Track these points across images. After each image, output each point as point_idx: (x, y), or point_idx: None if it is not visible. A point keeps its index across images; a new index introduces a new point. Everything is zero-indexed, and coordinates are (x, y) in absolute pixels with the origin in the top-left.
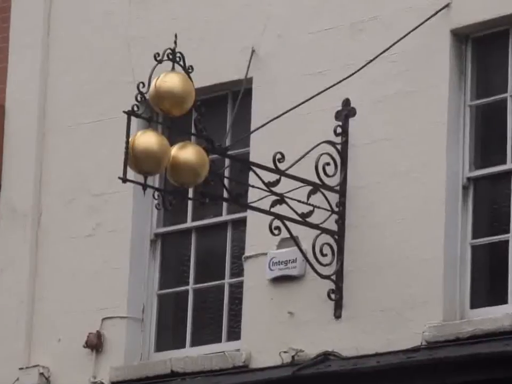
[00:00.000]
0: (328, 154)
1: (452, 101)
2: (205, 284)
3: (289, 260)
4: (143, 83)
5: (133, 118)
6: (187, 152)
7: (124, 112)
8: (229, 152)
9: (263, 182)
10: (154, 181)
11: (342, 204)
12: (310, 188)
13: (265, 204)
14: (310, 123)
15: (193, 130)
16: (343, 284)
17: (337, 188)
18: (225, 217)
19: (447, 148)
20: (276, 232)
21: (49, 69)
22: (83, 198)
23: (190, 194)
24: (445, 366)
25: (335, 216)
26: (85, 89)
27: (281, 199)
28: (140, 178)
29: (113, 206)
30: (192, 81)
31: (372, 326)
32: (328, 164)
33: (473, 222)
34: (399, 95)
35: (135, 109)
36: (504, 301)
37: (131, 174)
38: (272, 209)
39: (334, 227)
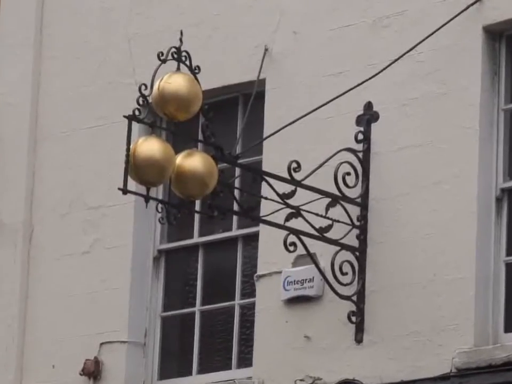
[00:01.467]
0: (349, 163)
1: (484, 105)
2: (213, 306)
3: (306, 279)
4: (145, 85)
5: (134, 123)
6: (194, 161)
7: (124, 116)
8: (240, 161)
9: (277, 193)
10: (158, 192)
11: (363, 217)
12: (328, 200)
13: (279, 218)
14: (328, 129)
15: (200, 137)
16: (365, 305)
17: (359, 200)
18: (235, 232)
19: (479, 156)
20: (291, 248)
21: (42, 69)
22: (79, 212)
23: (197, 207)
24: None
25: (356, 231)
26: (81, 91)
27: (297, 212)
28: (142, 190)
29: (113, 220)
30: (199, 82)
31: (397, 352)
32: (348, 173)
33: (508, 237)
34: (426, 98)
35: (137, 113)
36: None
37: (132, 185)
38: (287, 223)
39: (355, 243)
